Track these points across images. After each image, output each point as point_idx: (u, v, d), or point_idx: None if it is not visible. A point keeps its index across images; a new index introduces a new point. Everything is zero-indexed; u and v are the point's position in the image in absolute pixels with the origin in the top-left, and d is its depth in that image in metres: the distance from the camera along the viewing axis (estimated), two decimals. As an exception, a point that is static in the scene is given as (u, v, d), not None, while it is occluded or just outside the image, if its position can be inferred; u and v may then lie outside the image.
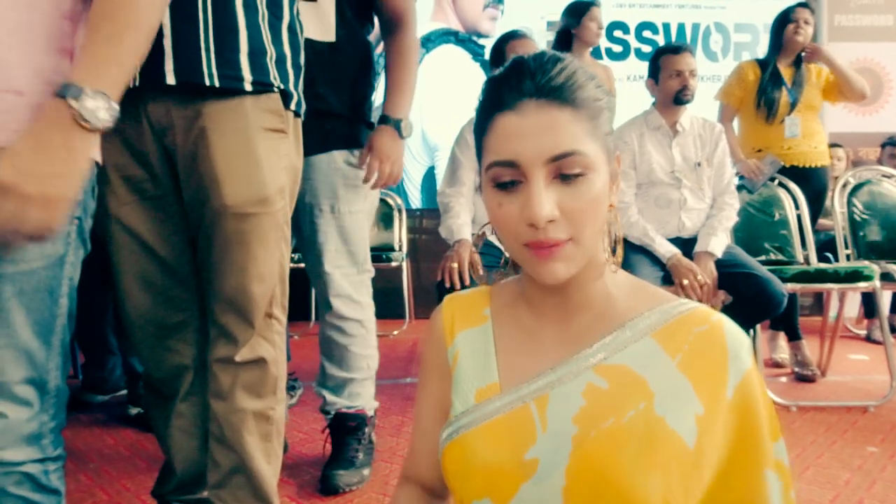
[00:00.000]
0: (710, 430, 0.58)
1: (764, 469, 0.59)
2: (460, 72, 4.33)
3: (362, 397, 1.70)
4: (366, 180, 1.60)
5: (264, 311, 1.15)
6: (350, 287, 1.65)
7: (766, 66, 2.89)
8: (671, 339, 0.61)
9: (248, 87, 1.07)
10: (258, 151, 1.09)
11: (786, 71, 2.87)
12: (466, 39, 4.43)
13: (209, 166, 1.07)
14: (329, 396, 1.69)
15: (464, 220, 2.10)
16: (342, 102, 1.63)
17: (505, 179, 0.60)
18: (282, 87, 1.12)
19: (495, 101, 0.62)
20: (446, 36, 4.39)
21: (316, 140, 1.57)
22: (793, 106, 2.82)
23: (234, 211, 1.08)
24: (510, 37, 2.27)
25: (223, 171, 1.07)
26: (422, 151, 4.40)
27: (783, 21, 2.85)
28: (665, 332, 0.62)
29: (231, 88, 1.06)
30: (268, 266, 1.13)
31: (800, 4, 2.85)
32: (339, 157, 1.62)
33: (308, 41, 1.55)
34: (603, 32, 2.78)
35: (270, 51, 1.11)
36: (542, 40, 2.99)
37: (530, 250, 0.60)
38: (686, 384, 0.59)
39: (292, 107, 1.16)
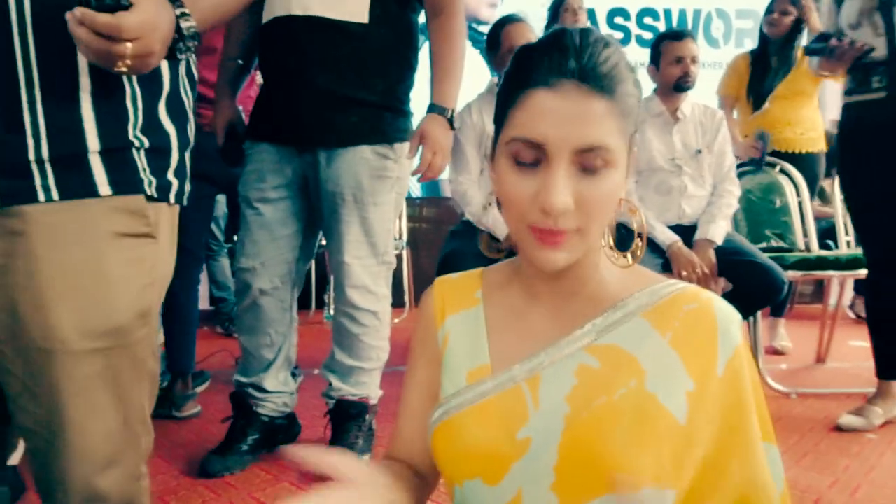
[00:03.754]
0: (701, 406, 0.58)
1: (761, 441, 0.60)
2: (460, 59, 4.31)
3: (368, 386, 1.70)
4: (418, 171, 1.59)
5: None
6: (368, 278, 1.62)
7: (756, 56, 2.96)
8: (662, 317, 0.62)
9: (103, 190, 0.76)
10: (108, 264, 0.77)
11: (774, 60, 2.90)
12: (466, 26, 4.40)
13: (32, 287, 0.73)
14: (335, 382, 1.69)
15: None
16: (370, 88, 1.57)
17: (525, 158, 0.58)
18: (153, 180, 0.81)
19: (532, 74, 0.58)
20: (446, 23, 4.36)
21: (339, 134, 1.53)
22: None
23: (71, 347, 0.74)
24: (506, 21, 2.25)
25: (53, 292, 0.73)
26: (421, 139, 4.38)
27: (766, 12, 2.92)
28: (656, 311, 0.62)
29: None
30: (116, 427, 0.78)
31: None
32: (365, 148, 1.57)
33: (336, 24, 1.50)
34: (583, 17, 2.80)
35: (140, 141, 0.79)
36: (540, 26, 2.97)
37: (534, 234, 0.59)
38: (677, 361, 0.59)
39: (171, 198, 0.85)
